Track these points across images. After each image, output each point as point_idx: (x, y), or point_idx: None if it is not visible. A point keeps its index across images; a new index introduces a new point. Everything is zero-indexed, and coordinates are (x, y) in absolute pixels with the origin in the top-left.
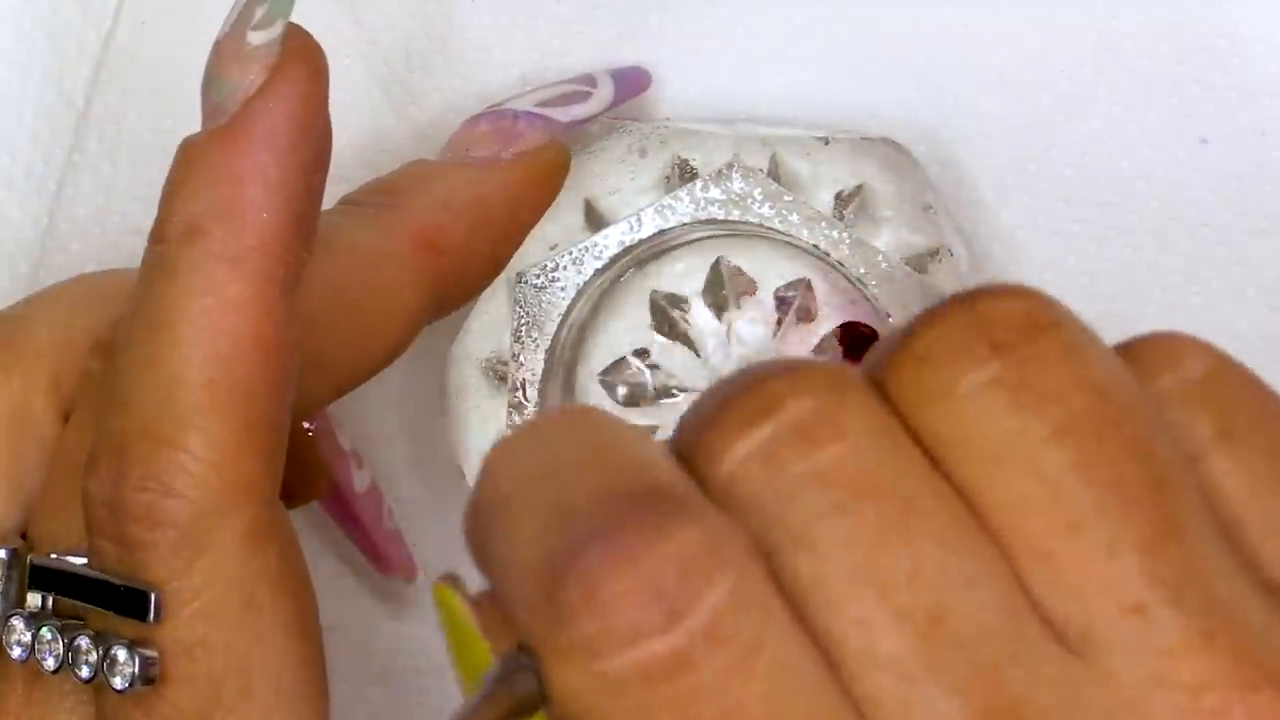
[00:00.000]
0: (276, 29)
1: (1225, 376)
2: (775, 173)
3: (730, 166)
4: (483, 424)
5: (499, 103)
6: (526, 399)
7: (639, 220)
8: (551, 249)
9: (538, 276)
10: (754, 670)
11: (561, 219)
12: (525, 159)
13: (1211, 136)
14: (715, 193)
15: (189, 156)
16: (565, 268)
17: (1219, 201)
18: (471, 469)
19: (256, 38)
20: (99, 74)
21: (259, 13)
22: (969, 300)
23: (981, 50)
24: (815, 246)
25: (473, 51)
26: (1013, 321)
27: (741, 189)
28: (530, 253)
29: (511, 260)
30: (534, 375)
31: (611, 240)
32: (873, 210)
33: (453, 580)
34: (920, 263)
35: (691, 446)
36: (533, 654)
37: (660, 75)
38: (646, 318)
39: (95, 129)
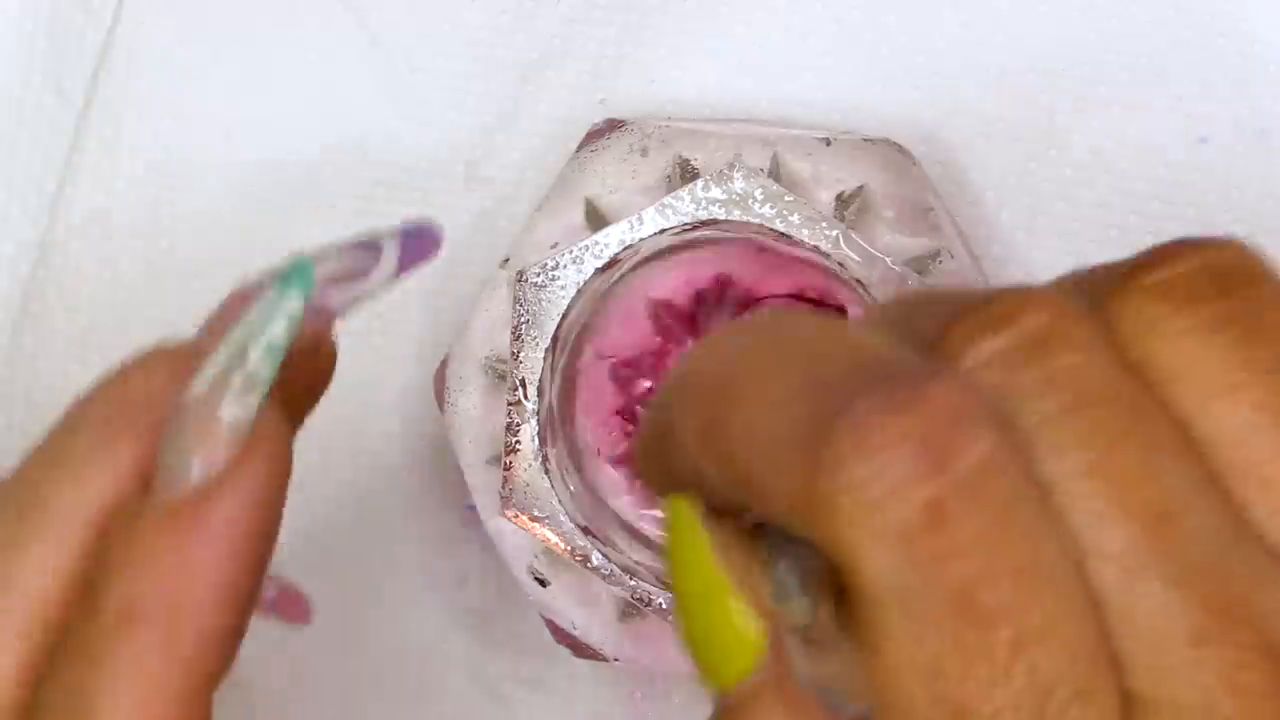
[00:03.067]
0: (250, 407)
1: None
2: (776, 173)
3: (732, 166)
4: (482, 421)
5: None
6: (526, 397)
7: (640, 219)
8: (552, 248)
9: (538, 275)
10: (1009, 531)
11: (563, 218)
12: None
13: (1212, 137)
14: (716, 192)
15: (139, 533)
16: (565, 266)
17: (1219, 201)
18: (470, 466)
19: (229, 413)
20: (99, 74)
21: (236, 382)
22: (1194, 245)
23: (982, 51)
24: (815, 247)
25: (474, 52)
26: (1236, 265)
27: (743, 189)
28: (531, 251)
29: (513, 258)
30: (534, 373)
31: (612, 239)
32: (873, 211)
33: (687, 497)
34: (920, 264)
35: (924, 350)
36: (789, 521)
37: (661, 75)
38: (645, 316)
39: (95, 129)
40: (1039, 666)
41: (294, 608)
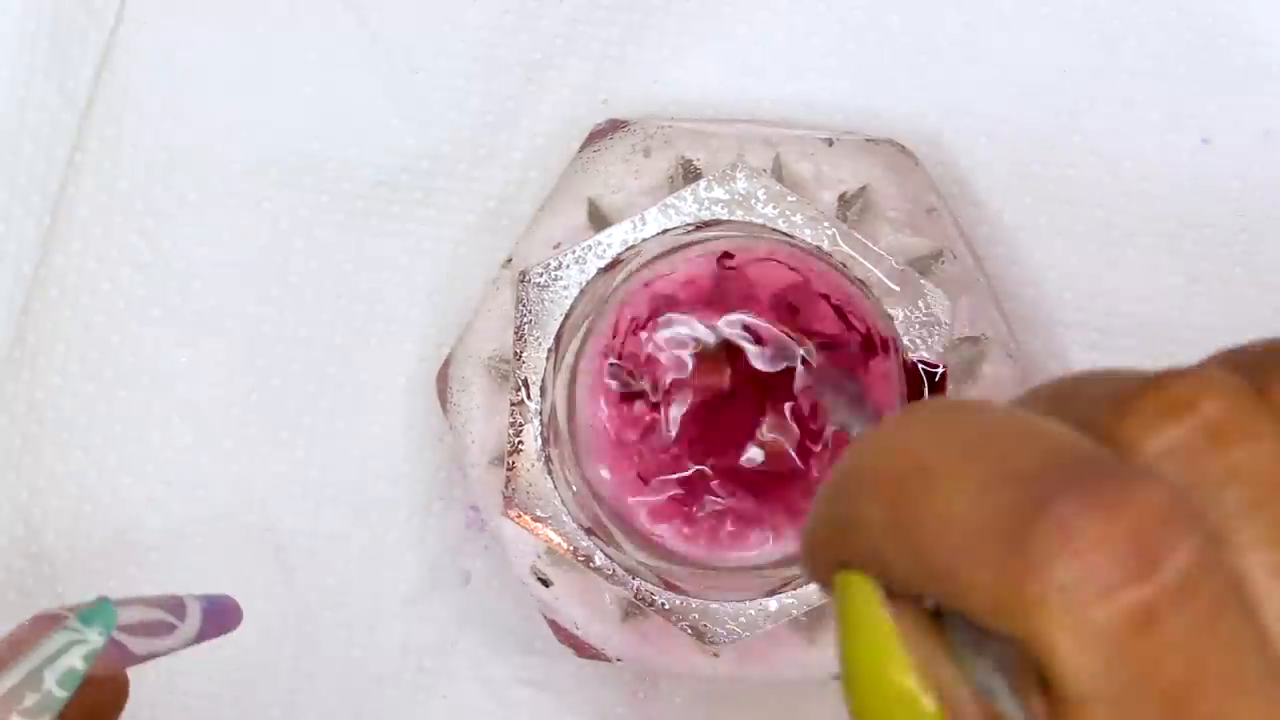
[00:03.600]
0: None
1: None
2: (779, 173)
3: (734, 167)
4: (485, 421)
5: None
6: (529, 397)
7: (643, 219)
8: (555, 248)
9: (541, 275)
10: (1218, 630)
11: (565, 218)
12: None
13: (1213, 137)
14: (719, 193)
15: None
16: (568, 266)
17: (1221, 202)
18: (473, 466)
19: None
20: (101, 74)
21: (29, 700)
22: None
23: (984, 52)
24: (818, 248)
25: (475, 52)
26: None
27: (745, 189)
28: (534, 251)
29: (516, 258)
30: (536, 373)
31: (615, 239)
32: (876, 211)
33: (858, 572)
34: (923, 264)
35: (1098, 438)
36: (985, 617)
37: (664, 75)
38: (647, 313)
39: (97, 129)
40: None
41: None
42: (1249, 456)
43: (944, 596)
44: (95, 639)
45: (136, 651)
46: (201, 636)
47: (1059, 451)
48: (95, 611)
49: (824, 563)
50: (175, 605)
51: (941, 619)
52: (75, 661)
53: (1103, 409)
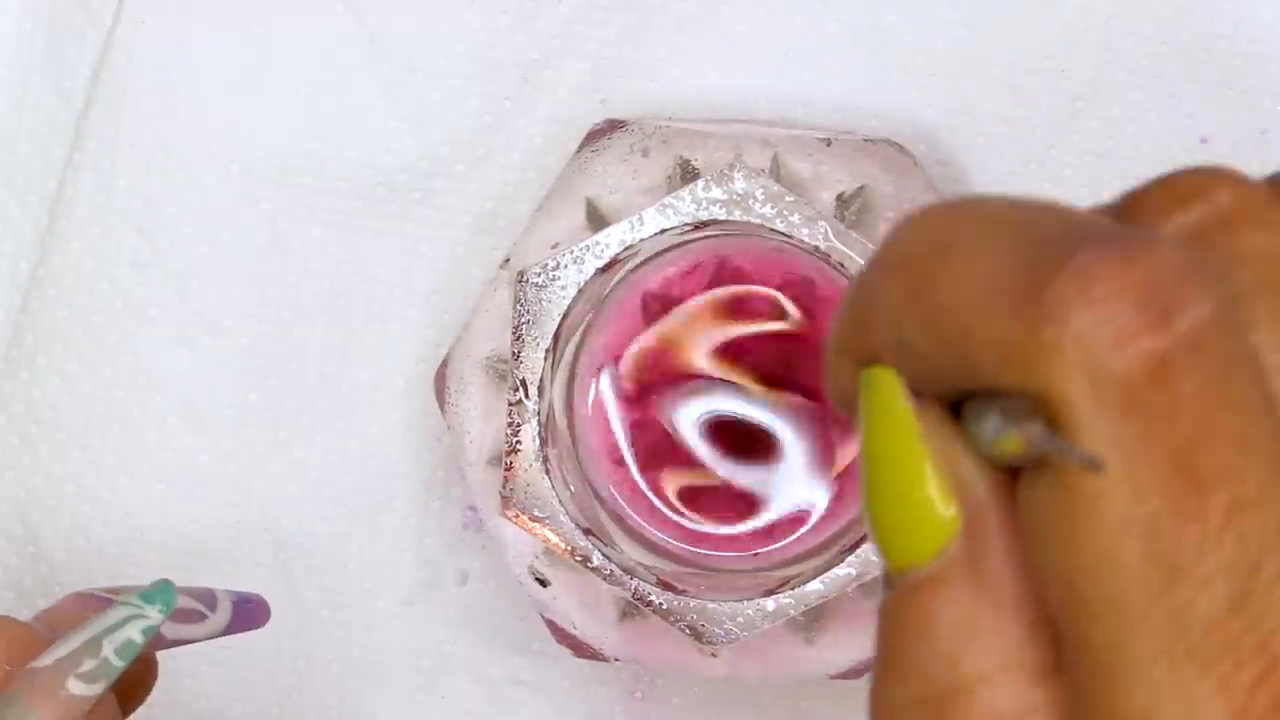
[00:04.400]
0: (97, 689)
1: None
2: (777, 173)
3: (732, 166)
4: (483, 421)
5: (126, 590)
6: (527, 397)
7: (640, 220)
8: (553, 248)
9: (539, 275)
10: (1230, 390)
11: (563, 218)
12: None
13: (1212, 136)
14: (717, 193)
15: None
16: (566, 266)
17: None
18: (471, 466)
19: (76, 686)
20: (99, 74)
21: (86, 666)
22: None
23: (983, 51)
24: (816, 248)
25: (473, 52)
26: None
27: (743, 189)
28: (532, 251)
29: (514, 258)
30: (534, 373)
31: (613, 239)
32: (874, 211)
33: (886, 367)
34: None
35: (1122, 212)
36: (1002, 378)
37: (662, 75)
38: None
39: (95, 129)
40: (1249, 537)
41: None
42: (1260, 241)
43: (960, 364)
44: (155, 616)
45: (167, 635)
46: (230, 630)
47: (1078, 220)
48: (157, 591)
49: (848, 363)
50: (207, 596)
51: (959, 417)
52: (134, 634)
53: (1113, 210)
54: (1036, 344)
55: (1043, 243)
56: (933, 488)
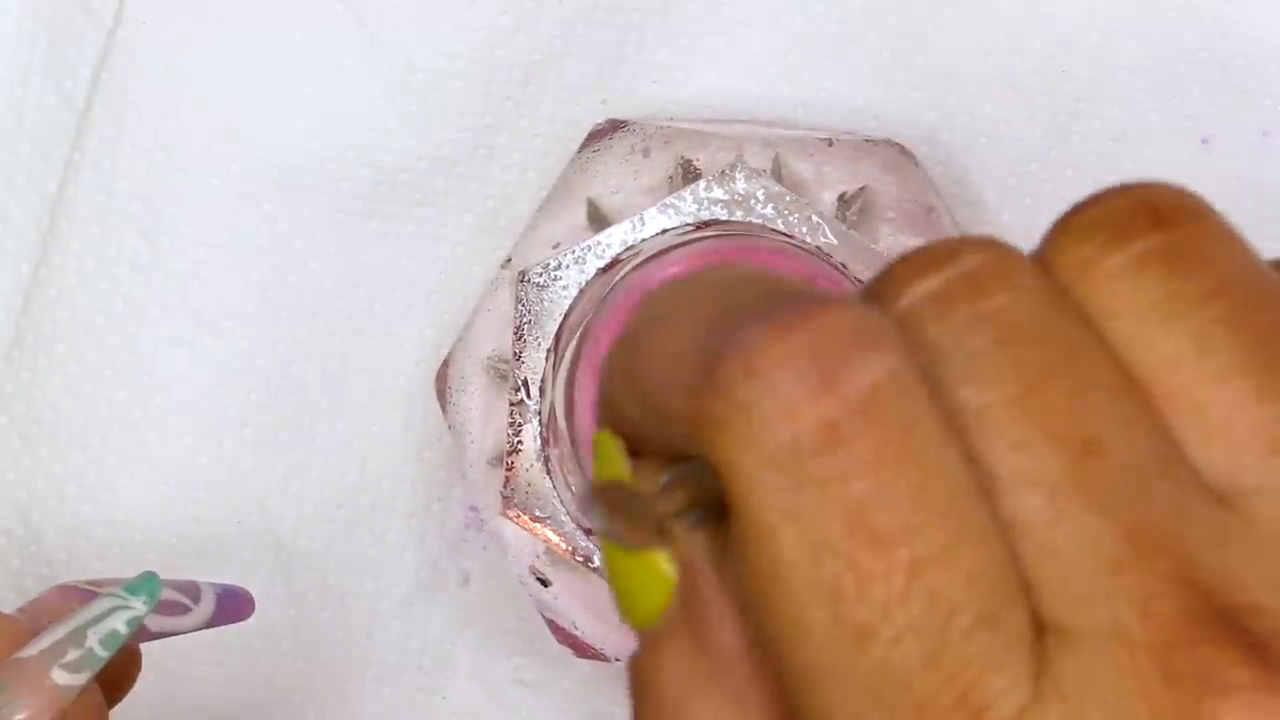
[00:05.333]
0: (81, 679)
1: None
2: (778, 173)
3: (733, 167)
4: (484, 421)
5: (110, 582)
6: (529, 397)
7: (642, 220)
8: (554, 248)
9: (540, 275)
10: (906, 454)
11: (565, 218)
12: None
13: (1213, 137)
14: (718, 193)
15: None
16: (568, 267)
17: (1220, 202)
18: (472, 466)
19: (61, 676)
20: (99, 75)
21: (71, 655)
22: (1130, 187)
23: (984, 52)
24: (817, 248)
25: (474, 53)
26: (1172, 204)
27: (744, 189)
28: (533, 251)
29: (515, 258)
30: (535, 373)
31: (614, 239)
32: (875, 212)
33: (614, 431)
34: None
35: (868, 294)
36: (693, 447)
37: (663, 76)
38: None
39: (95, 129)
40: (937, 590)
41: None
42: (998, 305)
43: (662, 436)
44: (140, 607)
45: (150, 627)
46: (213, 622)
47: (769, 293)
48: (142, 583)
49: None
50: (191, 589)
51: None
52: (119, 625)
53: (882, 272)
54: (705, 419)
55: (726, 316)
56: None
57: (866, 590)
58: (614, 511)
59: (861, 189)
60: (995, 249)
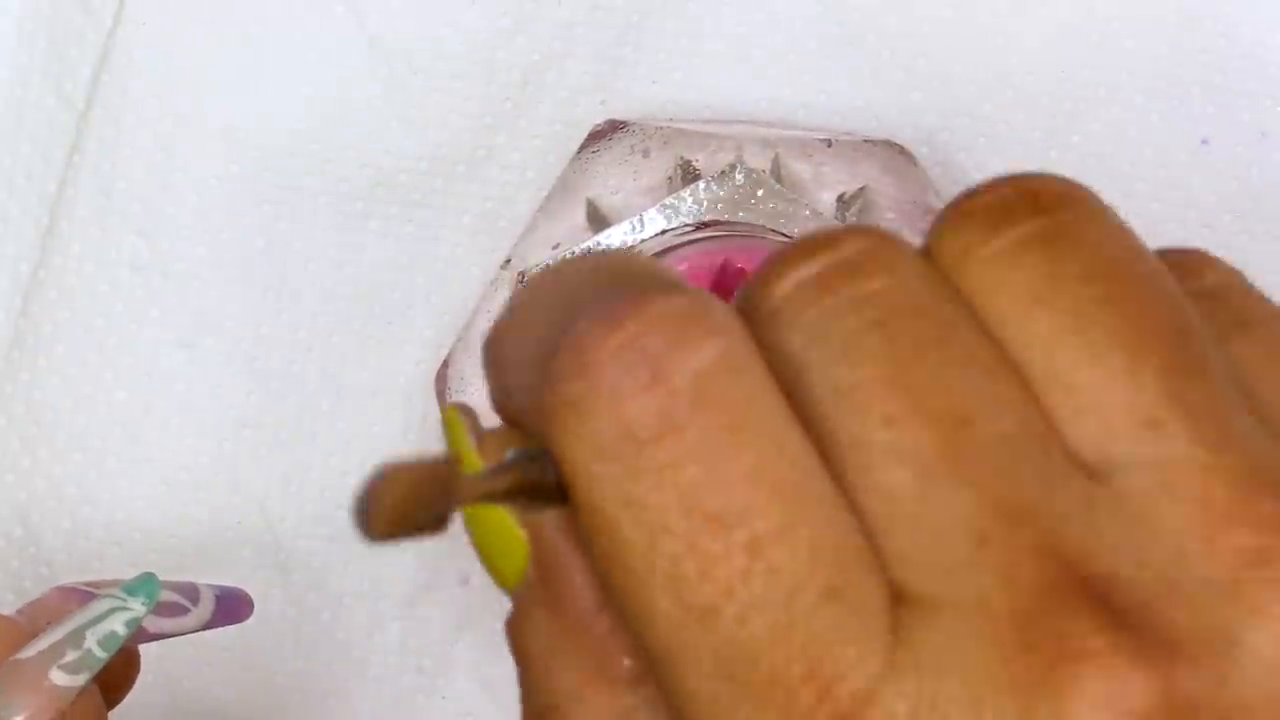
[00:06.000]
0: (80, 680)
1: (1239, 285)
2: (778, 174)
3: (733, 167)
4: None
5: (108, 584)
6: None
7: (641, 221)
8: (554, 248)
9: None
10: (739, 436)
11: (564, 219)
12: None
13: (1212, 138)
14: (718, 193)
15: None
16: None
17: (1220, 203)
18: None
19: (59, 677)
20: (99, 75)
21: (69, 656)
22: (1011, 176)
23: (983, 53)
24: None
25: (474, 53)
26: (1052, 190)
27: (744, 190)
28: (533, 252)
29: (515, 259)
30: None
31: (614, 240)
32: (875, 212)
33: (463, 409)
34: None
35: (749, 283)
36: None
37: (663, 76)
38: None
39: (95, 130)
40: (779, 567)
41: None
42: (876, 288)
43: (519, 418)
44: (138, 608)
45: (149, 628)
46: (212, 623)
47: (611, 278)
48: (140, 584)
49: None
50: (190, 590)
51: None
52: (117, 626)
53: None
54: (541, 411)
55: (568, 310)
56: (506, 517)
57: (708, 572)
58: (450, 487)
59: (861, 189)
60: (876, 236)
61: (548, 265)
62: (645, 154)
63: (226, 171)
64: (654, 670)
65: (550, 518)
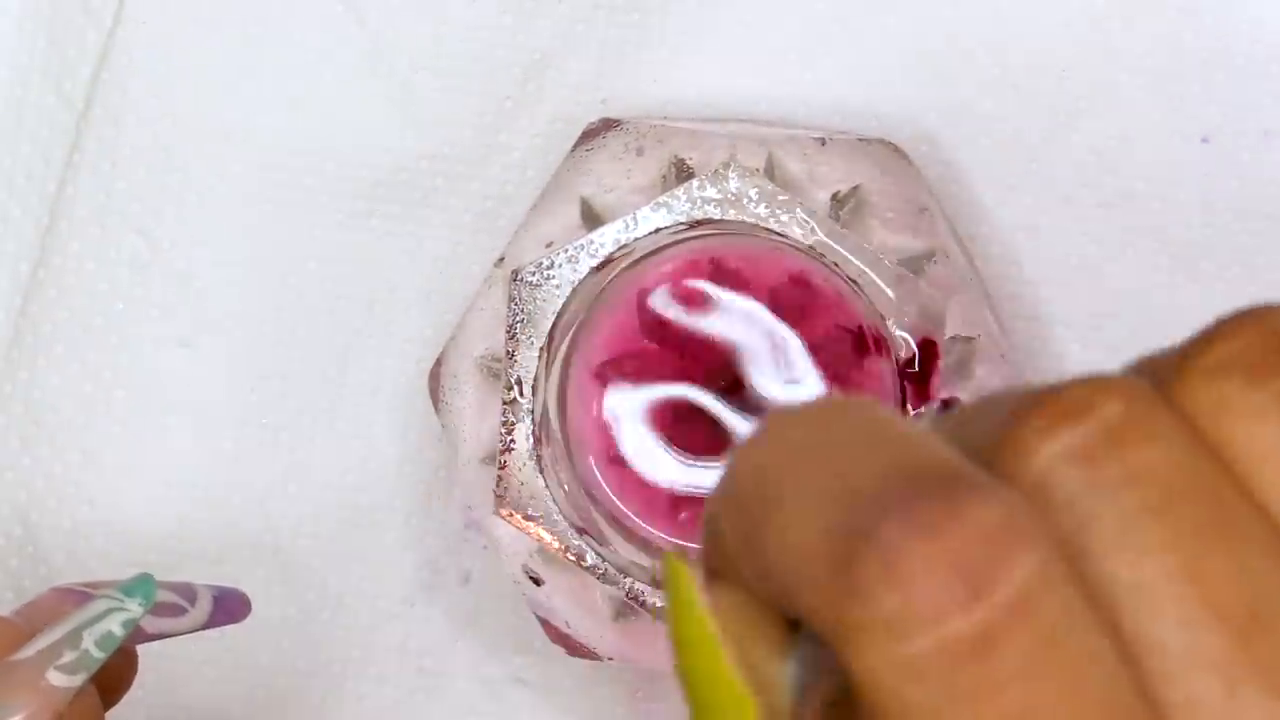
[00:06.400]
0: (77, 680)
1: None
2: (771, 173)
3: (727, 166)
4: (477, 420)
5: (106, 584)
6: (521, 395)
7: (635, 219)
8: (547, 246)
9: (533, 274)
10: (1061, 654)
11: (558, 217)
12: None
13: (1213, 137)
14: (711, 192)
15: None
16: (560, 265)
17: (1220, 202)
18: (465, 465)
19: (56, 678)
20: (99, 75)
21: (67, 658)
22: (1258, 314)
23: (982, 51)
24: (810, 247)
25: (474, 52)
26: None
27: (738, 188)
28: (527, 250)
29: (508, 257)
30: (528, 372)
31: (607, 238)
32: (868, 211)
33: (683, 556)
34: (915, 264)
35: (993, 447)
36: (823, 638)
37: (663, 75)
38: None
39: (95, 130)
40: None
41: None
42: (1144, 460)
43: (777, 603)
44: (135, 609)
45: (146, 629)
46: (210, 623)
47: (901, 465)
48: (137, 584)
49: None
50: (187, 590)
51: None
52: (114, 627)
53: (1002, 420)
54: (846, 627)
55: (861, 494)
56: (730, 677)
57: None
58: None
59: (855, 188)
60: (1132, 392)
61: (792, 411)
62: (639, 152)
63: (226, 171)
64: None
65: (795, 698)
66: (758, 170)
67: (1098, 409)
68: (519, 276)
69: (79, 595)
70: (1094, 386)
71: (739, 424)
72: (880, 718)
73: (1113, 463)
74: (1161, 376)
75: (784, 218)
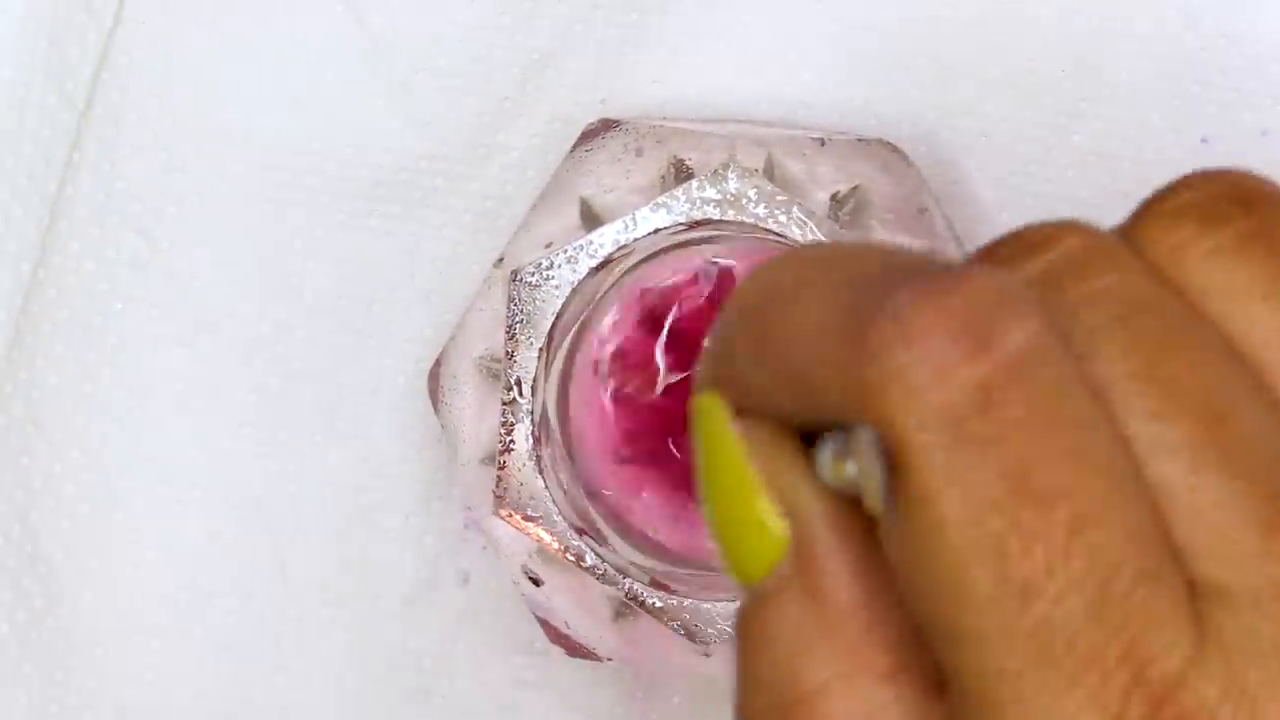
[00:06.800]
0: None
1: None
2: (771, 173)
3: (726, 166)
4: (476, 421)
5: None
6: (520, 396)
7: (634, 219)
8: (547, 247)
9: (532, 274)
10: (1059, 413)
11: (557, 217)
12: None
13: (1212, 137)
14: (711, 192)
15: None
16: (560, 266)
17: None
18: (464, 465)
19: None
20: (100, 75)
21: None
22: (1215, 173)
23: (982, 51)
24: None
25: (474, 52)
26: (1253, 187)
27: (737, 189)
28: (525, 251)
29: (507, 257)
30: (528, 373)
31: (607, 239)
32: (868, 212)
33: (714, 392)
34: None
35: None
36: (843, 416)
37: (663, 76)
38: (636, 314)
39: (95, 129)
40: (1099, 547)
41: None
42: (1106, 283)
43: (808, 405)
44: None
45: None
46: None
47: (899, 260)
48: None
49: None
50: None
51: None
52: None
53: (969, 262)
54: (863, 385)
55: (864, 284)
56: (761, 507)
57: (1029, 549)
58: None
59: (854, 189)
60: (1089, 231)
61: (779, 257)
62: (638, 153)
63: (226, 171)
64: (952, 659)
65: (819, 510)
66: (757, 171)
67: (1060, 242)
68: (518, 277)
69: None
70: (1055, 224)
71: None
72: (904, 467)
73: (1076, 284)
74: (1122, 227)
75: (783, 218)
